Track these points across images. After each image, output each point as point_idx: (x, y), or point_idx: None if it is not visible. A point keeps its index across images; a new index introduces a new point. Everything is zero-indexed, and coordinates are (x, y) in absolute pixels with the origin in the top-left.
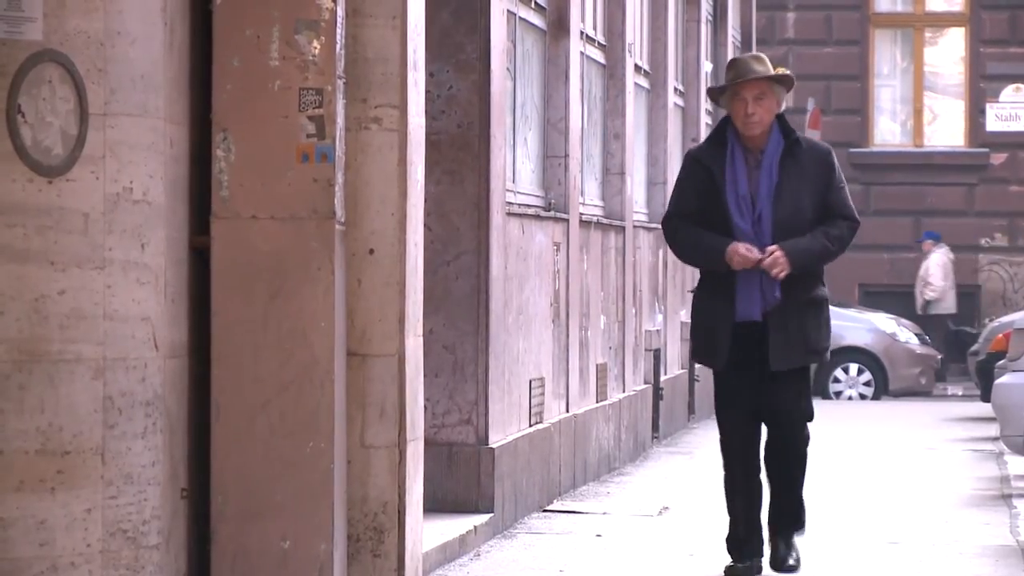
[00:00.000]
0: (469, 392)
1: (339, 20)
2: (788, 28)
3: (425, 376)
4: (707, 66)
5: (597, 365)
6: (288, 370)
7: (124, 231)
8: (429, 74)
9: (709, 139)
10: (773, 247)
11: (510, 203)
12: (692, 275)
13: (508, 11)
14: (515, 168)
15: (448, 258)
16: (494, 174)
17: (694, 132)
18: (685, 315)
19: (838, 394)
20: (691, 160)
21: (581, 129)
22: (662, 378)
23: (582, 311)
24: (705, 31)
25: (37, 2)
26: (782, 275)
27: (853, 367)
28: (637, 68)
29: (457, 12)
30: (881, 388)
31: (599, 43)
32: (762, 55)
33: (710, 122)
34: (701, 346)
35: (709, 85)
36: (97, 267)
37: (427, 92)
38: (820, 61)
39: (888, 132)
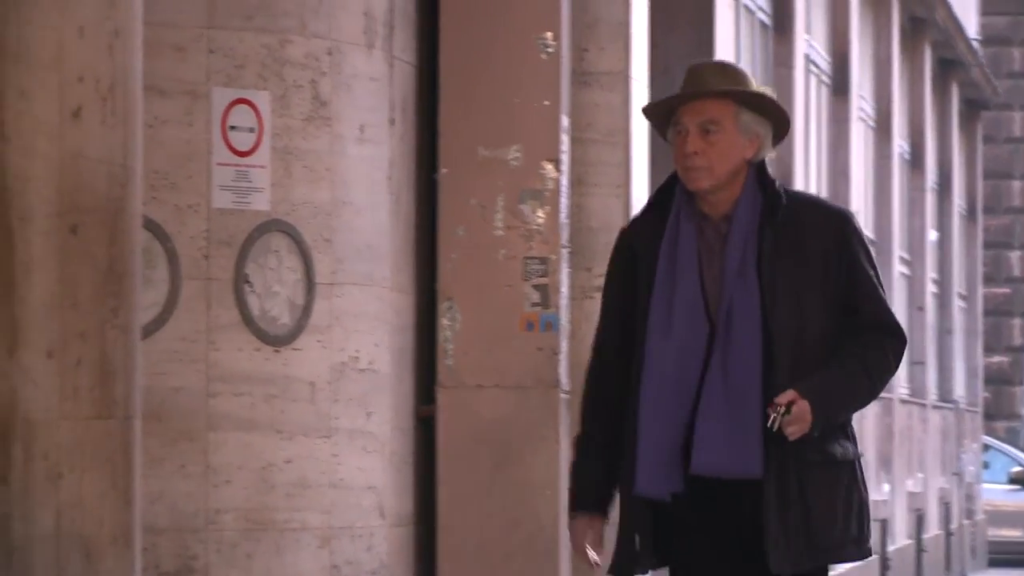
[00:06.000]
0: None
1: (563, 189)
2: (1014, 196)
3: None
4: (933, 235)
5: None
6: (514, 538)
7: (350, 400)
8: None
9: (648, 202)
10: (790, 394)
11: None
12: (920, 447)
13: None
14: None
15: None
16: None
17: (920, 301)
18: (912, 484)
19: None
20: (618, 240)
21: None
22: (889, 548)
23: None
24: (930, 200)
25: (264, 173)
26: (797, 435)
27: None
28: None
29: None
30: None
31: None
32: (737, 66)
33: (936, 291)
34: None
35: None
36: (323, 436)
37: None
38: None
39: None
